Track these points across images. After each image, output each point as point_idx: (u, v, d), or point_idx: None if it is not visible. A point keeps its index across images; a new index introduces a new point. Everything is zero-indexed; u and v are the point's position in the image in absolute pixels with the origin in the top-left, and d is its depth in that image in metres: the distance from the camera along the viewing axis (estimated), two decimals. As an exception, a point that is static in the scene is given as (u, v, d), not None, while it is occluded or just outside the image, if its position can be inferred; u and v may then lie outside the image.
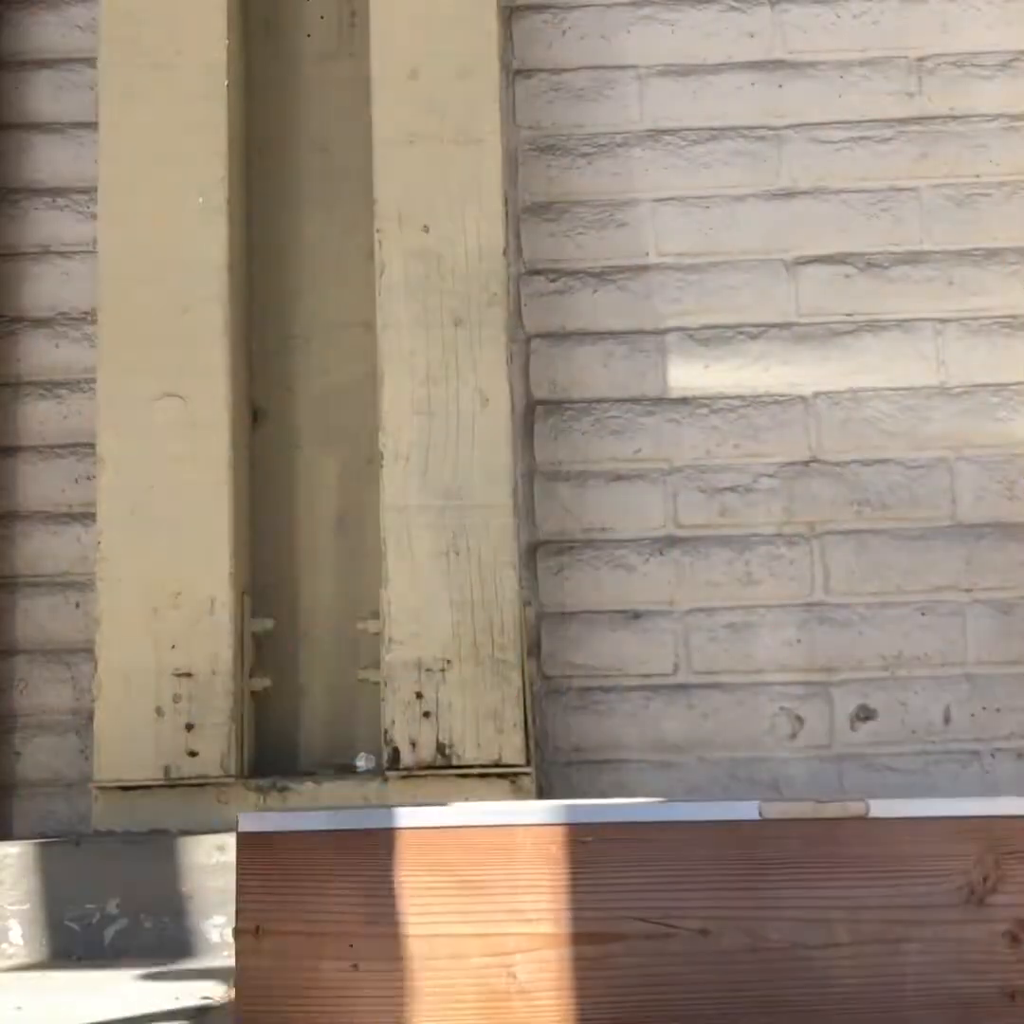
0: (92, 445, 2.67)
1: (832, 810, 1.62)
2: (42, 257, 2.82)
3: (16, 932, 2.35)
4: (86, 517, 2.72)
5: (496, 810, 1.66)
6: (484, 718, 2.53)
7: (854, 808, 1.62)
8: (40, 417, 2.79)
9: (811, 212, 2.81)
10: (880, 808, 1.63)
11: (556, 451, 2.79)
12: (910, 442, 2.75)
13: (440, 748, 2.52)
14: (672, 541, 2.76)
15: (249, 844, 1.62)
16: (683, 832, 1.62)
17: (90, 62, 2.81)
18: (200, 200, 2.68)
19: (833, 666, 2.70)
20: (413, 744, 2.52)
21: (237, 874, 1.62)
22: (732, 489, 2.76)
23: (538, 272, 2.84)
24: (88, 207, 2.80)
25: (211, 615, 2.57)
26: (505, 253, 2.68)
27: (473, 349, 2.63)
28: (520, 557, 2.63)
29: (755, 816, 1.62)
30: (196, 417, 2.63)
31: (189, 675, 2.56)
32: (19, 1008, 1.90)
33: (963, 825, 1.62)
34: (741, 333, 2.80)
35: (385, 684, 2.56)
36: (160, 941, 2.34)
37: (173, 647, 2.56)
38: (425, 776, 2.52)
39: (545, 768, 2.69)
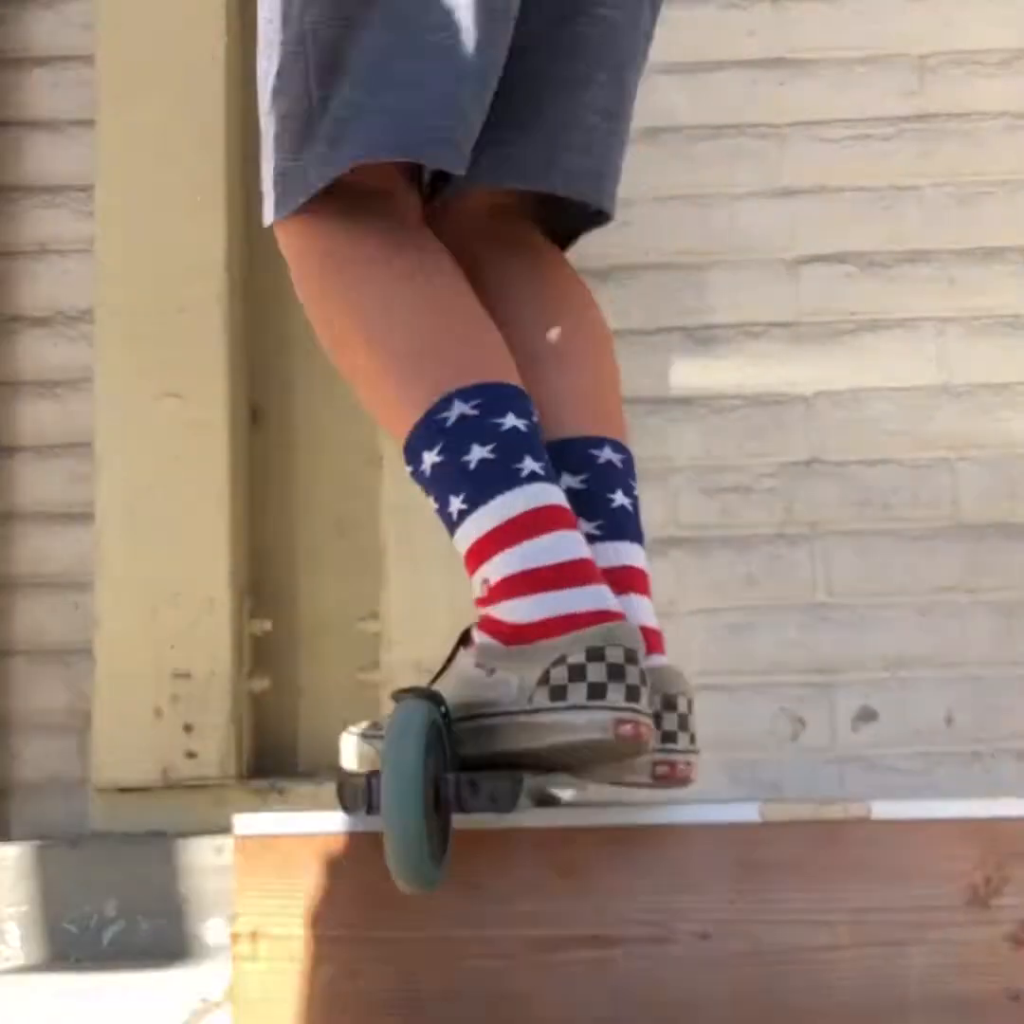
0: (91, 445, 2.67)
1: (833, 812, 1.61)
2: (40, 256, 2.81)
3: (14, 934, 2.34)
4: (85, 517, 2.71)
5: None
6: (484, 719, 2.52)
7: (856, 810, 1.61)
8: (38, 417, 2.78)
9: (812, 211, 2.80)
10: (882, 810, 1.62)
11: (556, 451, 2.78)
12: (912, 442, 2.74)
13: (440, 749, 2.51)
14: (673, 541, 2.74)
15: (247, 846, 1.61)
16: (683, 835, 1.61)
17: (88, 60, 2.80)
18: (199, 199, 2.67)
19: (835, 667, 2.69)
20: (413, 745, 2.51)
21: (235, 877, 1.61)
22: (733, 489, 2.75)
23: (538, 271, 2.83)
24: (86, 205, 2.78)
25: (210, 615, 2.57)
26: (505, 252, 2.67)
27: (473, 348, 2.62)
28: (520, 557, 2.62)
29: (756, 818, 1.61)
30: (195, 417, 2.62)
31: (188, 676, 2.55)
32: (17, 1010, 1.89)
33: (965, 827, 1.61)
34: (742, 333, 2.79)
35: (385, 684, 2.55)
36: (158, 943, 2.33)
37: (172, 648, 2.56)
38: (425, 777, 2.51)
39: (545, 769, 2.68)
